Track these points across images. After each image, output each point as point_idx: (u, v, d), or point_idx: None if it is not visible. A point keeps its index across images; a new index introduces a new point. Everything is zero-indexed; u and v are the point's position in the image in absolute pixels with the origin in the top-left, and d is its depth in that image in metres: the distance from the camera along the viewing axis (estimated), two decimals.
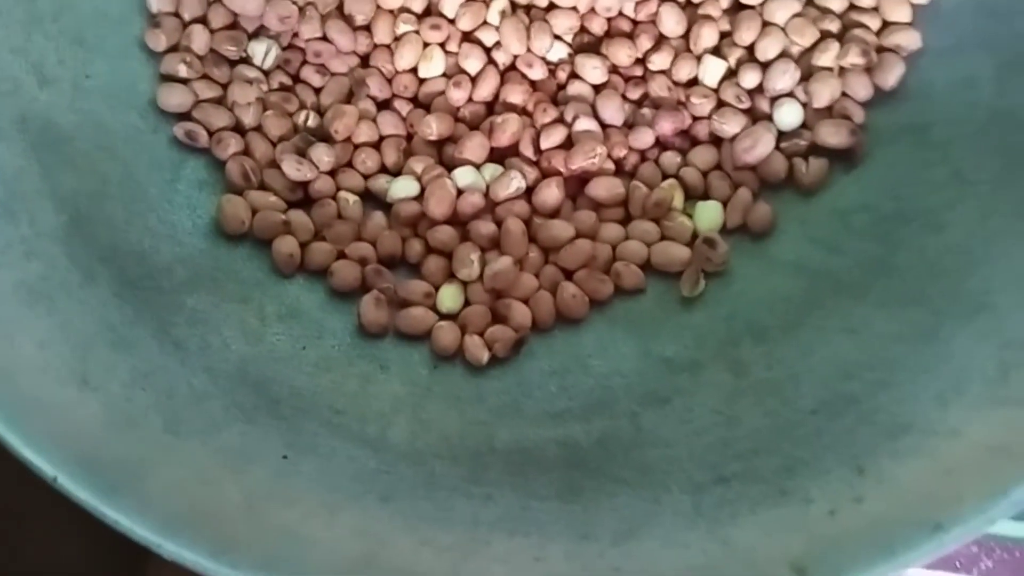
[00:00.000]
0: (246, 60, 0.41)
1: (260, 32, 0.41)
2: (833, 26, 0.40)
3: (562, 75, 0.42)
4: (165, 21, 0.40)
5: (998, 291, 0.33)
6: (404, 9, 0.43)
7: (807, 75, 0.40)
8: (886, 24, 0.40)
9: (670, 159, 0.41)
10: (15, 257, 0.31)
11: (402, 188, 0.40)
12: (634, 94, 0.42)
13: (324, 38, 0.42)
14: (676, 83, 0.41)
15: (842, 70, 0.40)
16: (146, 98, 0.39)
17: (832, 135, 0.39)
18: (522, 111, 0.42)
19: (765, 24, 0.41)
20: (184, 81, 0.40)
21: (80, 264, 0.33)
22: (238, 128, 0.40)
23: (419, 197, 0.40)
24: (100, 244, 0.34)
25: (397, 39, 0.42)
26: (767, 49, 0.40)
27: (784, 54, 0.40)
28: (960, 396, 0.30)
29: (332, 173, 0.40)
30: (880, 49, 0.40)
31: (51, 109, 0.36)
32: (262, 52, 0.41)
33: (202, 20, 0.41)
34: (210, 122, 0.39)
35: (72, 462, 0.27)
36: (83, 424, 0.29)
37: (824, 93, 0.39)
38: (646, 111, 0.41)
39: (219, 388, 0.33)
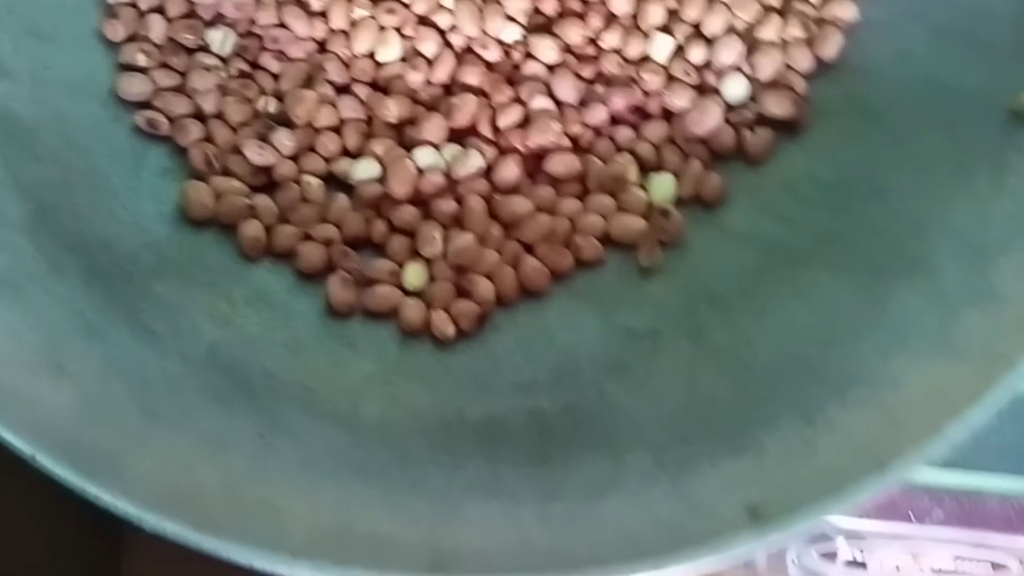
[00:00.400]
0: (204, 48, 0.41)
1: (217, 20, 0.42)
2: (775, 1, 0.42)
3: (517, 56, 0.43)
4: (122, 11, 0.40)
5: (935, 251, 0.35)
6: None
7: (751, 48, 0.42)
8: None
9: (624, 134, 0.42)
10: None
11: (364, 170, 0.40)
12: (587, 72, 0.43)
13: (281, 24, 0.42)
14: (627, 60, 0.43)
15: (784, 43, 0.41)
16: (106, 88, 0.39)
17: (776, 105, 0.41)
18: (479, 92, 0.43)
19: (710, 1, 0.42)
20: (143, 70, 0.40)
21: (47, 253, 0.33)
22: (199, 115, 0.40)
23: (381, 178, 0.41)
24: (66, 233, 0.35)
25: (353, 24, 0.43)
26: (712, 25, 0.42)
27: (729, 29, 0.42)
28: (901, 349, 0.32)
29: (294, 158, 0.41)
30: (819, 21, 0.41)
31: (11, 100, 0.36)
32: (219, 39, 0.41)
33: (159, 9, 0.41)
34: (171, 110, 0.40)
35: (50, 446, 0.28)
36: (59, 412, 0.29)
37: (768, 66, 0.41)
38: (599, 88, 0.42)
39: (192, 372, 0.34)
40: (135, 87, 0.39)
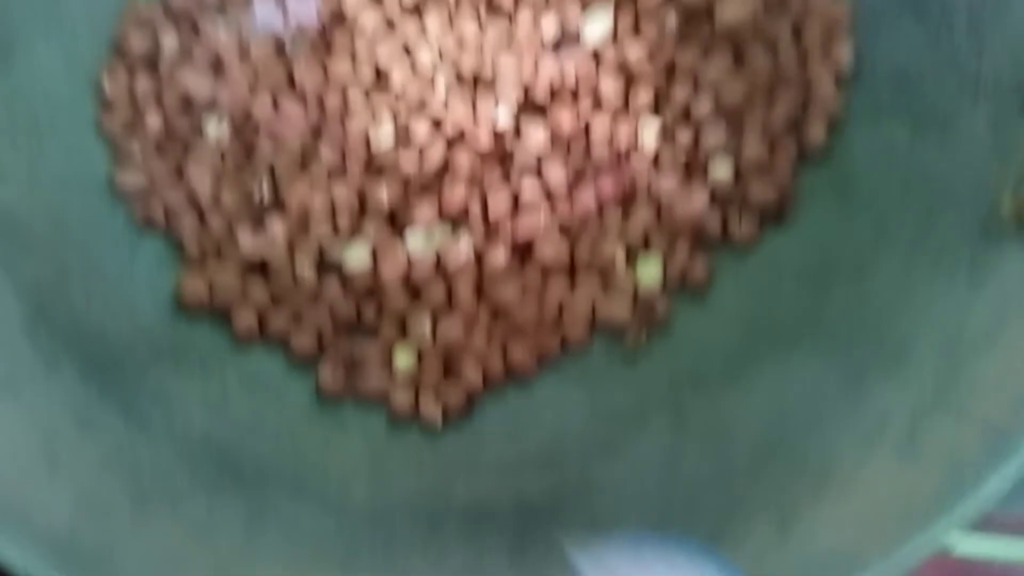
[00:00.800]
0: (199, 134, 0.42)
1: (212, 106, 0.43)
2: (761, 90, 0.43)
3: (508, 140, 0.44)
4: (118, 102, 0.41)
5: (914, 344, 0.35)
6: (353, 79, 0.44)
7: (738, 132, 0.42)
8: (810, 86, 0.42)
9: (612, 217, 0.43)
10: None
11: (355, 254, 0.41)
12: (577, 154, 0.44)
13: (275, 112, 0.43)
14: (615, 143, 0.43)
15: (770, 128, 0.42)
16: (102, 179, 0.40)
17: (762, 192, 0.41)
18: (470, 176, 0.43)
19: (697, 83, 0.43)
20: (139, 160, 0.41)
21: (44, 352, 0.34)
22: (193, 203, 0.41)
23: (372, 262, 0.41)
24: (63, 330, 0.36)
25: (347, 107, 0.44)
26: (700, 108, 0.42)
27: (715, 112, 0.43)
28: (874, 447, 0.33)
29: (287, 241, 0.42)
30: (805, 107, 0.42)
31: (6, 197, 0.37)
32: (215, 125, 0.42)
33: (155, 98, 0.42)
34: (166, 201, 0.41)
35: (43, 553, 0.29)
36: (54, 514, 0.30)
37: (753, 154, 0.42)
38: (588, 171, 0.43)
39: (184, 462, 0.35)
40: (131, 178, 0.40)
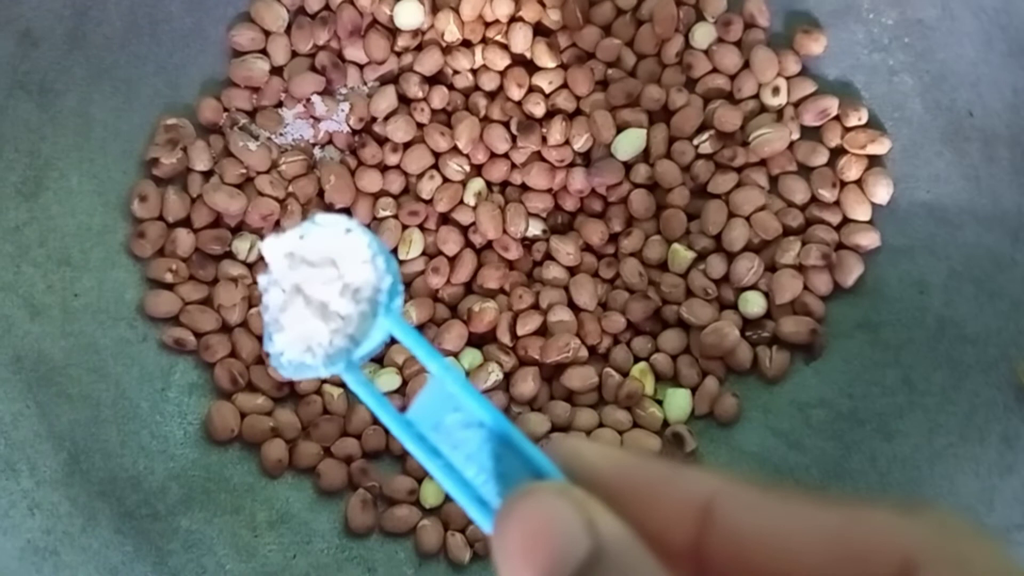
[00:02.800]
0: (230, 255, 0.42)
1: (243, 227, 0.42)
2: (795, 221, 0.42)
3: (538, 253, 0.44)
4: (149, 228, 0.40)
5: None
6: (383, 192, 0.44)
7: (770, 267, 0.42)
8: (846, 220, 0.42)
9: (641, 344, 0.43)
10: (19, 516, 0.33)
11: (385, 382, 0.41)
12: (607, 273, 0.43)
13: None
14: (647, 265, 0.43)
15: (803, 267, 0.42)
16: (133, 306, 0.40)
17: (793, 331, 0.41)
18: (499, 292, 0.43)
19: (731, 215, 0.42)
20: (170, 286, 0.41)
21: (80, 505, 0.34)
22: (224, 328, 0.41)
23: (401, 389, 0.41)
24: (98, 477, 0.36)
25: (377, 220, 0.44)
26: (733, 242, 0.42)
27: (748, 246, 0.42)
28: None
29: None
30: (839, 246, 0.42)
31: (43, 340, 0.37)
32: (246, 248, 0.42)
33: (185, 221, 0.41)
34: (197, 326, 0.40)
35: None
36: None
37: (786, 291, 0.41)
38: (618, 295, 0.43)
39: None
40: (163, 305, 0.40)
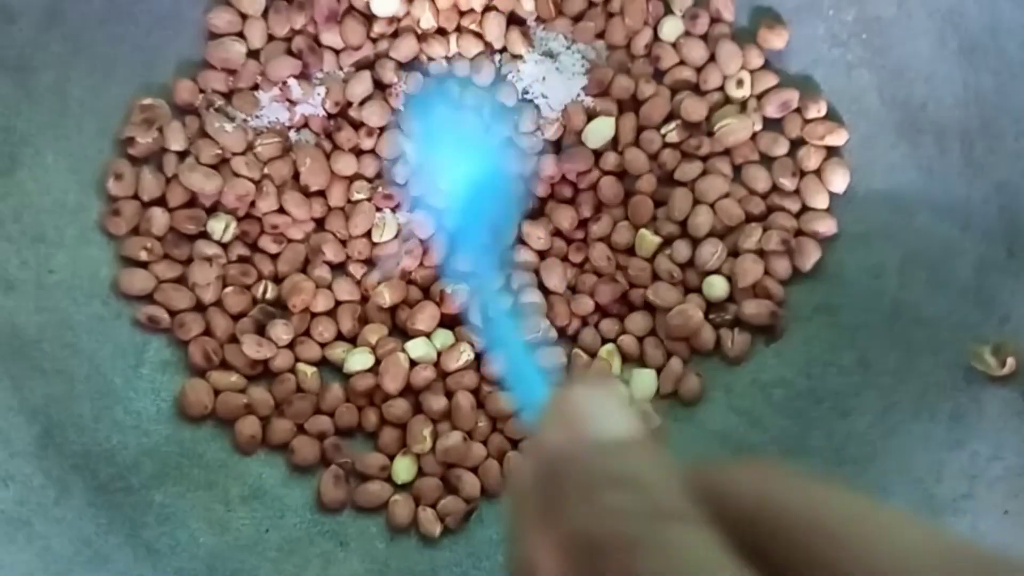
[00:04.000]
0: (205, 235, 0.42)
1: (217, 208, 0.43)
2: (757, 208, 0.44)
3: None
4: (124, 206, 0.41)
5: (892, 490, 0.37)
6: (358, 176, 0.44)
7: (733, 252, 0.44)
8: (805, 208, 0.44)
9: (608, 326, 0.44)
10: None
11: (358, 361, 0.42)
12: (576, 257, 0.45)
13: (281, 210, 0.43)
14: (615, 250, 0.44)
15: (764, 252, 0.43)
16: (107, 284, 0.40)
17: (755, 314, 0.43)
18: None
19: (696, 202, 0.44)
20: (145, 264, 0.41)
21: (54, 478, 0.35)
22: (198, 306, 0.42)
23: (374, 368, 0.42)
24: (71, 451, 0.36)
25: (352, 203, 0.44)
26: (698, 227, 0.44)
27: (713, 232, 0.44)
28: None
29: (290, 345, 0.42)
30: (798, 233, 0.43)
31: (17, 315, 0.37)
32: (220, 228, 0.42)
33: (160, 201, 0.42)
34: (171, 304, 0.41)
35: None
36: None
37: (748, 275, 0.43)
38: (587, 279, 0.44)
39: None
40: (137, 282, 0.40)
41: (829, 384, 0.41)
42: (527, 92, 0.45)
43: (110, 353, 0.39)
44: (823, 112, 0.43)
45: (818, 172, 0.44)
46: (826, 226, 0.43)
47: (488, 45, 0.45)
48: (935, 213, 0.42)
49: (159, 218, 0.41)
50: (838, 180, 0.43)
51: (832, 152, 0.44)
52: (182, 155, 0.42)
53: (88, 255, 0.40)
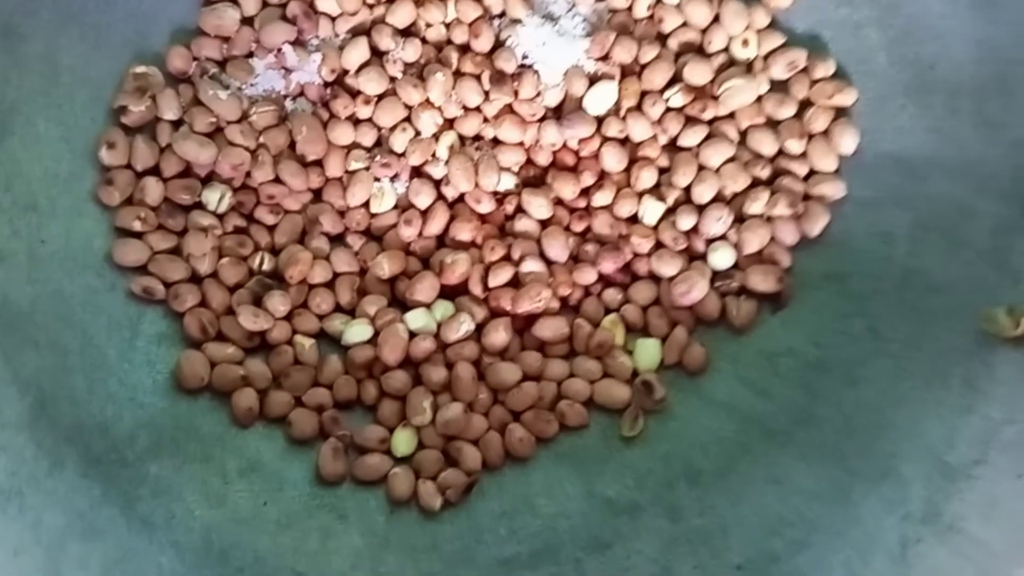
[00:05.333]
0: (200, 206, 0.42)
1: (212, 178, 0.42)
2: (764, 172, 0.43)
3: (509, 207, 0.44)
4: (118, 175, 0.40)
5: (903, 457, 0.36)
6: (355, 145, 0.44)
7: (739, 218, 0.43)
8: (813, 172, 0.43)
9: (612, 296, 0.43)
10: None
11: (356, 333, 0.41)
12: (578, 227, 0.44)
13: (277, 179, 0.42)
14: (617, 219, 0.43)
15: (771, 218, 0.42)
16: (101, 255, 0.39)
17: (761, 281, 0.42)
18: (471, 245, 0.43)
19: (701, 168, 0.43)
20: (139, 235, 0.40)
21: (46, 449, 0.34)
22: (194, 278, 0.41)
23: (373, 340, 0.41)
24: (64, 423, 0.35)
25: (349, 173, 0.43)
26: (702, 193, 0.43)
27: (718, 198, 0.43)
28: (865, 567, 0.34)
29: (288, 317, 0.41)
30: (806, 197, 0.42)
31: (8, 286, 0.36)
32: (216, 199, 0.41)
33: (154, 170, 0.41)
34: (166, 275, 0.40)
35: None
36: None
37: (754, 240, 0.42)
38: (589, 248, 0.43)
39: (186, 564, 0.35)
40: (131, 254, 0.40)
41: (838, 353, 0.40)
42: (527, 57, 0.44)
43: (104, 325, 0.38)
44: (831, 71, 0.42)
45: (826, 134, 0.43)
46: (835, 189, 0.42)
47: (486, 9, 0.44)
48: (947, 175, 0.40)
49: (153, 188, 0.40)
50: (847, 141, 0.42)
51: (840, 113, 0.43)
52: (176, 124, 0.42)
53: (81, 226, 0.39)
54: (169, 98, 0.41)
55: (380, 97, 0.44)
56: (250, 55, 0.43)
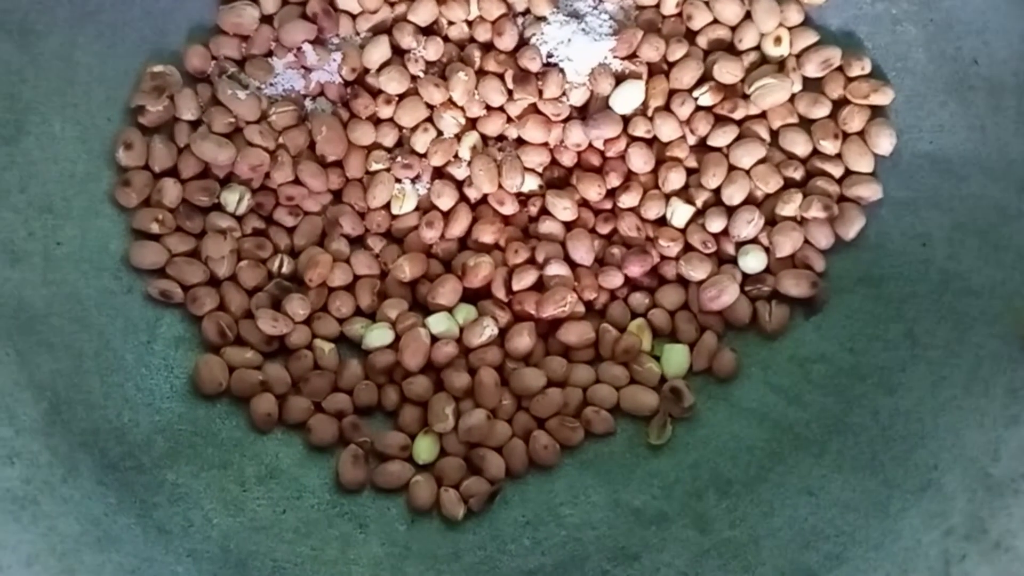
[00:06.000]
0: (218, 207, 0.41)
1: (231, 179, 0.41)
2: (797, 174, 0.41)
3: (533, 209, 0.43)
4: (135, 176, 0.39)
5: (945, 469, 0.35)
6: (376, 145, 0.43)
7: (771, 221, 0.41)
8: (848, 173, 0.41)
9: (639, 300, 0.42)
10: None
11: (377, 337, 0.40)
12: (604, 229, 0.42)
13: (296, 181, 0.42)
14: (645, 221, 0.42)
15: (804, 220, 0.41)
16: (118, 257, 0.39)
17: (794, 286, 0.40)
18: (494, 247, 0.42)
19: (731, 169, 0.42)
20: (156, 237, 0.40)
21: (62, 455, 0.33)
22: (212, 281, 0.40)
23: (394, 344, 0.40)
24: (80, 428, 0.35)
25: (370, 174, 0.43)
26: (733, 195, 0.41)
27: (749, 200, 0.41)
28: None
29: (307, 320, 0.41)
30: (841, 199, 0.41)
31: (23, 288, 0.36)
32: (235, 200, 0.41)
33: (172, 171, 0.40)
34: (184, 278, 0.39)
35: None
36: None
37: (786, 244, 0.41)
38: (615, 251, 0.42)
39: (203, 574, 0.34)
40: (149, 256, 0.39)
41: (874, 359, 0.39)
42: (552, 56, 0.43)
43: (121, 328, 0.38)
44: (867, 69, 0.41)
45: (862, 134, 0.41)
46: (870, 191, 0.41)
47: (510, 7, 0.43)
48: (988, 176, 0.39)
49: (171, 189, 0.40)
50: (884, 142, 0.41)
51: (877, 112, 0.41)
52: (194, 124, 0.41)
53: (97, 227, 0.39)
54: (187, 98, 0.41)
55: (401, 97, 0.43)
56: (269, 54, 0.42)
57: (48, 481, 0.33)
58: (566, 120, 0.43)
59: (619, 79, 0.42)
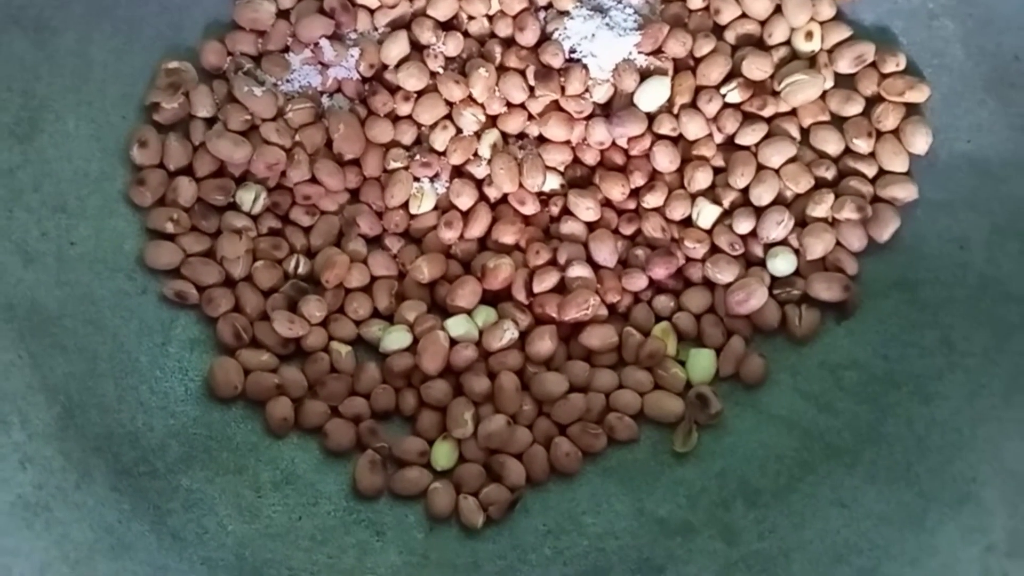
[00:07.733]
0: (234, 206, 0.40)
1: (247, 177, 0.40)
2: (828, 173, 0.40)
3: (555, 208, 0.42)
4: (150, 175, 0.39)
5: (984, 482, 0.33)
6: (394, 143, 0.42)
7: (801, 222, 0.40)
8: (882, 173, 0.40)
9: (663, 303, 0.41)
10: (9, 470, 0.31)
11: (395, 340, 0.39)
12: (628, 229, 0.41)
13: (313, 179, 0.41)
14: (670, 221, 0.41)
15: (836, 221, 0.40)
16: (132, 257, 0.38)
17: (825, 289, 0.39)
18: (514, 248, 0.41)
19: (760, 168, 0.40)
20: (171, 237, 0.39)
21: (75, 461, 0.33)
22: (228, 282, 0.39)
23: (412, 347, 0.40)
24: (93, 432, 0.34)
25: (388, 173, 0.42)
26: (761, 195, 0.40)
27: (778, 200, 0.40)
28: None
29: (324, 322, 0.40)
30: (875, 199, 0.40)
31: (36, 289, 0.35)
32: (250, 199, 0.40)
33: (187, 170, 0.40)
34: (199, 279, 0.39)
35: None
36: None
37: (817, 246, 0.39)
38: (639, 252, 0.41)
39: None
40: (164, 256, 0.38)
41: (909, 366, 0.38)
42: (575, 51, 0.42)
43: (135, 330, 0.37)
44: (902, 65, 0.39)
45: (896, 132, 0.40)
46: (906, 192, 0.39)
47: (532, 1, 0.42)
48: None
49: (186, 188, 0.39)
50: (919, 141, 0.39)
51: (912, 110, 0.40)
52: (210, 121, 0.40)
53: (112, 227, 0.38)
54: (203, 94, 0.40)
55: (420, 93, 0.42)
56: (286, 50, 0.41)
57: (61, 487, 0.32)
58: (589, 117, 0.42)
59: (644, 75, 0.41)
